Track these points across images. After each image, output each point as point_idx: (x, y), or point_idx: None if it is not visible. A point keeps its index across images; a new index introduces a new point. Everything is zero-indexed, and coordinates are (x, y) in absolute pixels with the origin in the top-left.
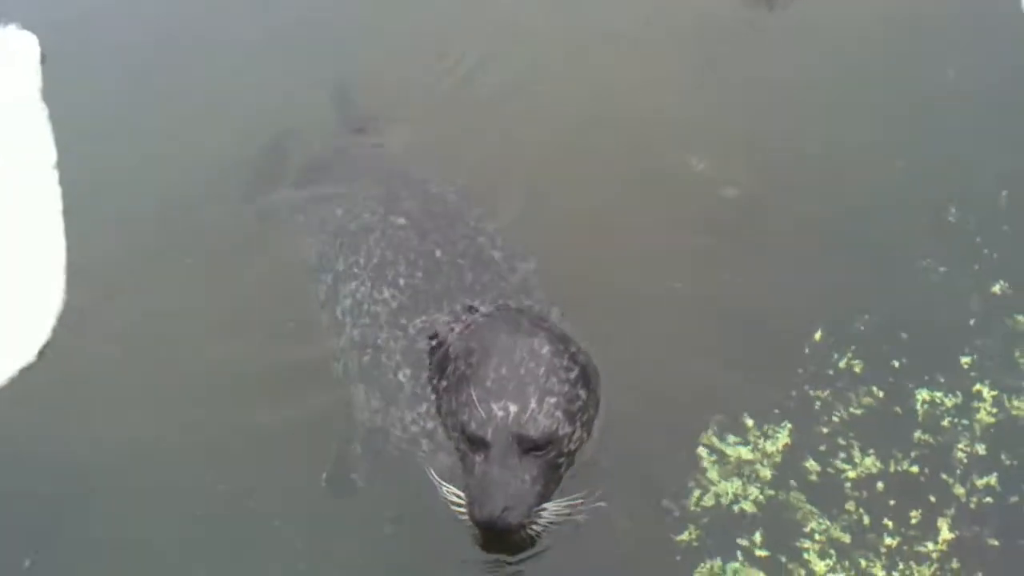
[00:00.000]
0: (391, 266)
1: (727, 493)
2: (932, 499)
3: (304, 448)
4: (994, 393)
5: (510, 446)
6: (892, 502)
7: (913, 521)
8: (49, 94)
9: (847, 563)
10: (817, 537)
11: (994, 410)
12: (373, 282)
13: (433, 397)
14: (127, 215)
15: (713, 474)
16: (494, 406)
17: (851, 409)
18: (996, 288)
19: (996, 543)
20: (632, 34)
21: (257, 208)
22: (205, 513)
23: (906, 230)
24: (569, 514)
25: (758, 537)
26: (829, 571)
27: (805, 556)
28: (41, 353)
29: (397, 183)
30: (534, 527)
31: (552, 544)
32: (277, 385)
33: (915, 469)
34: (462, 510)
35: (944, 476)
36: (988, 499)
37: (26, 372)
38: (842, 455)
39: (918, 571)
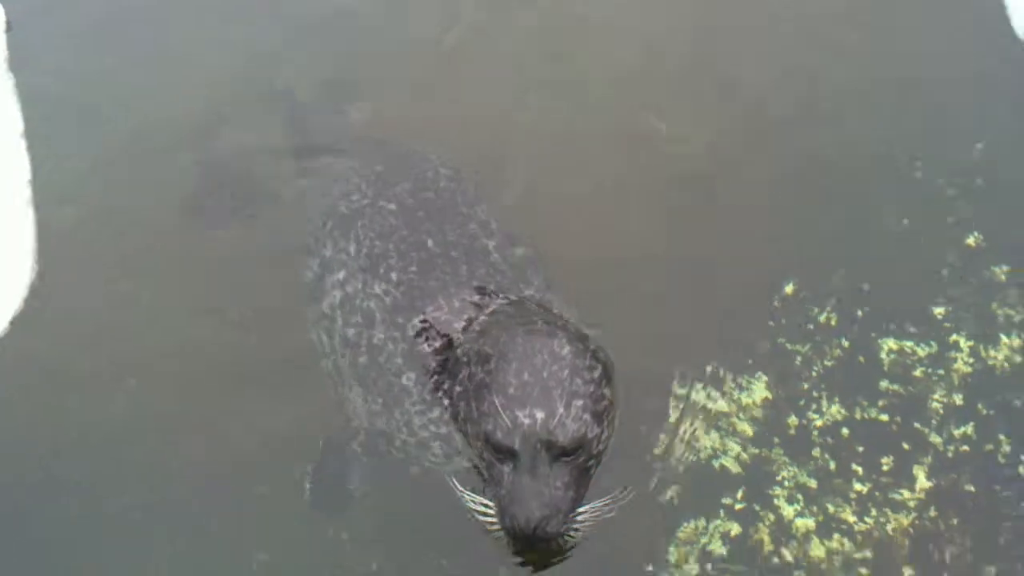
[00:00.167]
0: (382, 259)
1: (706, 448)
2: (906, 447)
3: (284, 432)
4: (971, 343)
5: (539, 454)
6: (860, 447)
7: (885, 468)
8: (15, 63)
9: (821, 513)
10: (787, 485)
11: (971, 360)
12: (364, 276)
13: (446, 403)
14: (96, 185)
15: (690, 429)
16: (519, 414)
17: (825, 361)
18: (971, 240)
19: (972, 489)
20: None
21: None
22: (172, 493)
23: (878, 184)
24: (601, 515)
25: (740, 493)
26: (797, 515)
27: (776, 503)
28: (12, 323)
29: (386, 160)
30: (570, 533)
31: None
32: (250, 365)
33: (887, 418)
34: (491, 520)
35: (919, 425)
36: (965, 447)
37: None
38: (815, 406)
39: (895, 518)
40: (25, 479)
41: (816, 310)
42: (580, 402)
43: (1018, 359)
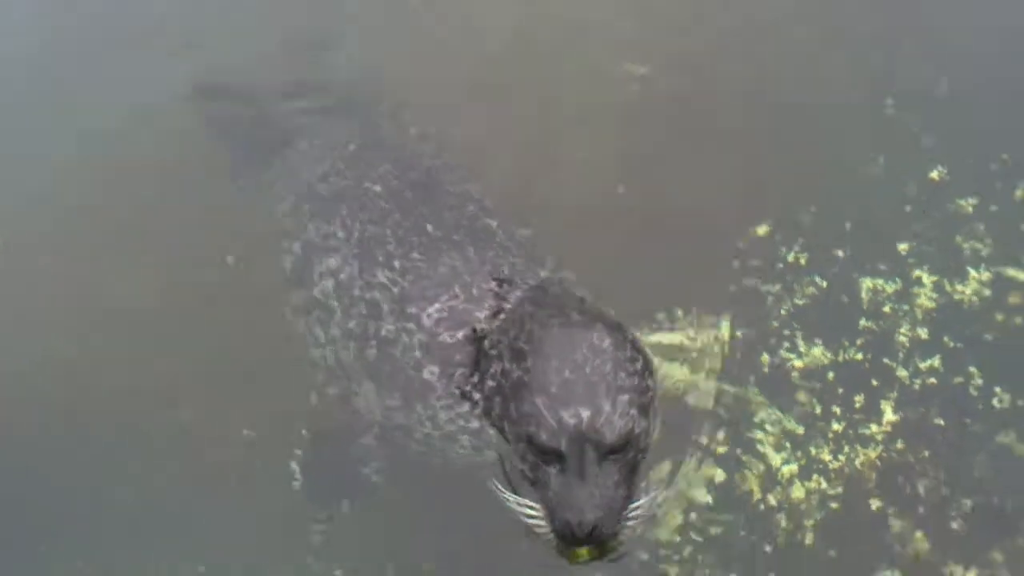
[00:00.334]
0: (378, 244)
1: (679, 389)
2: (875, 383)
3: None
4: (934, 278)
5: (587, 454)
6: (839, 389)
7: (857, 405)
8: None
9: (799, 451)
10: (769, 428)
11: (935, 295)
12: (360, 263)
13: (476, 397)
14: (51, 155)
15: (664, 371)
16: (564, 414)
17: (796, 300)
18: (934, 174)
19: (941, 422)
20: None
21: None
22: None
23: (845, 121)
24: (654, 508)
25: (720, 434)
26: (781, 456)
27: (759, 448)
28: None
29: (360, 137)
30: (625, 531)
31: None
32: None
33: (859, 356)
34: (539, 523)
35: (887, 360)
36: (932, 380)
37: None
38: (787, 345)
39: (863, 453)
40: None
41: (789, 250)
42: (626, 397)
43: (987, 292)
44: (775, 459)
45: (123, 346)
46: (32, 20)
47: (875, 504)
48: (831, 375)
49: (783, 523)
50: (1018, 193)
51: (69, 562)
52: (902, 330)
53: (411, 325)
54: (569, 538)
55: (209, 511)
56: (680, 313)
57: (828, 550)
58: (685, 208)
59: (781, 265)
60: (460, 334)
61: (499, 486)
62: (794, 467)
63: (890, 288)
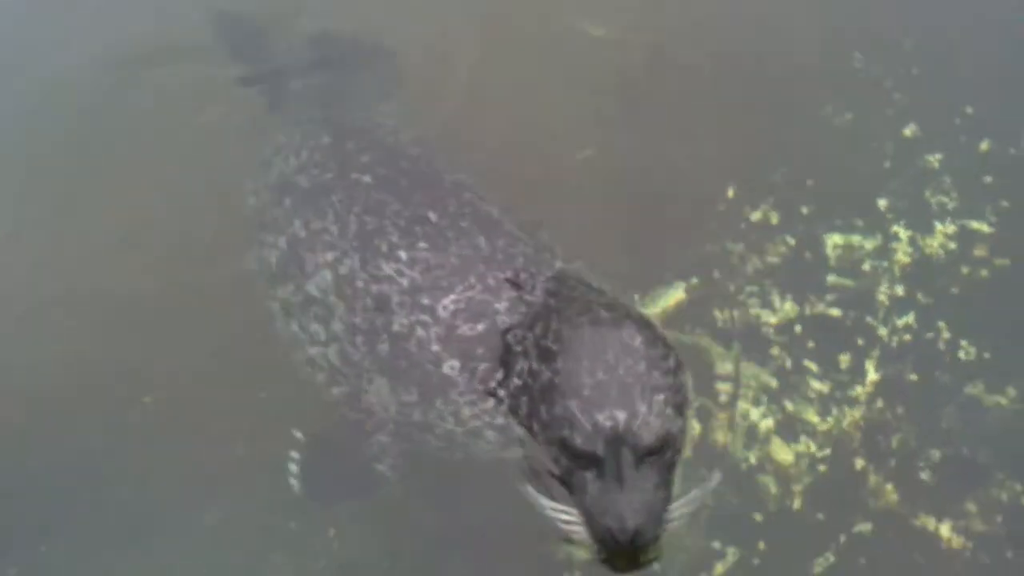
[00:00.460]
0: (379, 236)
1: None
2: (860, 342)
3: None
4: (909, 233)
5: (624, 457)
6: (816, 346)
7: (843, 366)
8: None
9: (778, 409)
10: (745, 383)
11: (910, 250)
12: (362, 255)
13: (501, 393)
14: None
15: None
16: (599, 417)
17: (769, 258)
18: (907, 131)
19: (915, 378)
20: None
21: None
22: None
23: (814, 79)
24: (695, 508)
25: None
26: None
27: (739, 404)
28: None
29: (334, 129)
30: (666, 532)
31: None
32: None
33: (838, 313)
34: (576, 529)
35: (869, 319)
36: (907, 337)
37: None
38: (759, 301)
39: (850, 414)
40: None
41: (759, 210)
42: (661, 396)
43: (952, 246)
44: (753, 412)
45: (116, 344)
46: None
47: (860, 464)
48: (802, 330)
49: (772, 489)
50: (982, 147)
51: (69, 562)
52: (882, 287)
53: (426, 317)
54: (611, 544)
55: (208, 511)
56: (668, 280)
57: (816, 513)
58: (655, 172)
59: (747, 225)
60: (480, 326)
61: (532, 490)
62: (770, 422)
63: (869, 245)
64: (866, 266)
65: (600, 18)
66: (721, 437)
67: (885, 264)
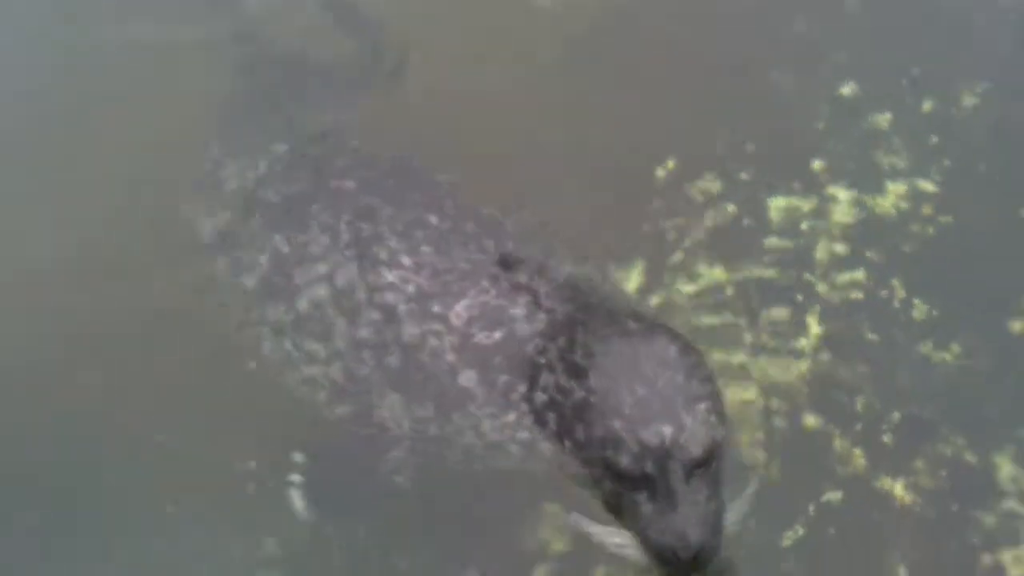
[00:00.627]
0: (377, 242)
1: None
2: (800, 298)
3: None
4: (853, 193)
5: (674, 473)
6: (762, 307)
7: (780, 320)
8: None
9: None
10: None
11: (853, 210)
12: (360, 265)
13: (524, 407)
14: None
15: None
16: (645, 434)
17: (707, 225)
18: (848, 91)
19: (871, 336)
20: None
21: None
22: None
23: (754, 43)
24: (748, 514)
25: None
26: None
27: None
28: None
29: (292, 140)
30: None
31: None
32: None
33: (774, 273)
34: (630, 552)
35: (807, 276)
36: (857, 294)
37: None
38: (700, 269)
39: (795, 365)
40: None
41: (694, 179)
42: (703, 405)
43: (905, 205)
44: None
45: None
46: None
47: (811, 419)
48: (749, 293)
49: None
50: (926, 107)
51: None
52: (820, 246)
53: (438, 326)
54: (673, 563)
55: (208, 517)
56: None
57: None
58: (593, 144)
59: (688, 196)
60: (497, 334)
61: (577, 517)
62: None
63: (806, 206)
64: (804, 227)
65: None
66: None
67: (824, 224)
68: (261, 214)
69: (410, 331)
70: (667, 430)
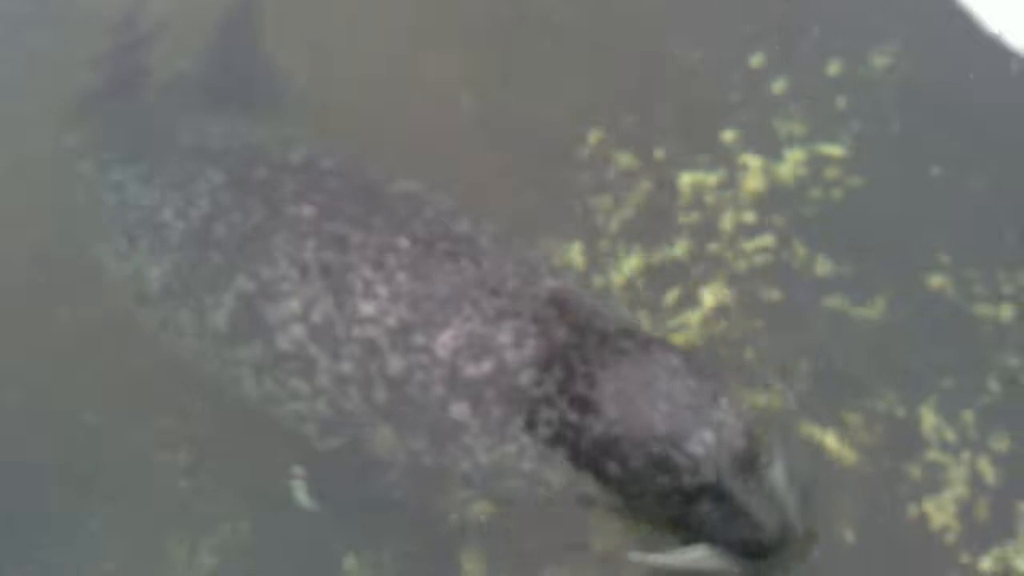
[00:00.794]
0: (348, 273)
1: None
2: (701, 270)
3: None
4: (758, 162)
5: (728, 471)
6: (662, 286)
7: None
8: None
9: None
10: None
11: (760, 177)
12: (335, 299)
13: (525, 440)
14: None
15: None
16: (690, 448)
17: (625, 208)
18: (755, 61)
19: (778, 296)
20: None
21: None
22: None
23: (661, 15)
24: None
25: None
26: None
27: None
28: None
29: (227, 167)
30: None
31: None
32: None
33: (684, 249)
34: (712, 563)
35: (714, 246)
36: (763, 259)
37: None
38: (620, 251)
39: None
40: None
41: (612, 154)
42: (724, 399)
43: (803, 171)
44: None
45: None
46: None
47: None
48: (654, 274)
49: None
50: (830, 69)
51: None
52: (727, 215)
53: (424, 359)
54: (762, 554)
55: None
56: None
57: None
58: (512, 120)
59: (609, 174)
60: (486, 365)
61: (638, 555)
62: None
63: (714, 179)
64: (710, 199)
65: None
66: None
67: (731, 194)
68: (218, 253)
69: (395, 364)
70: (708, 435)
